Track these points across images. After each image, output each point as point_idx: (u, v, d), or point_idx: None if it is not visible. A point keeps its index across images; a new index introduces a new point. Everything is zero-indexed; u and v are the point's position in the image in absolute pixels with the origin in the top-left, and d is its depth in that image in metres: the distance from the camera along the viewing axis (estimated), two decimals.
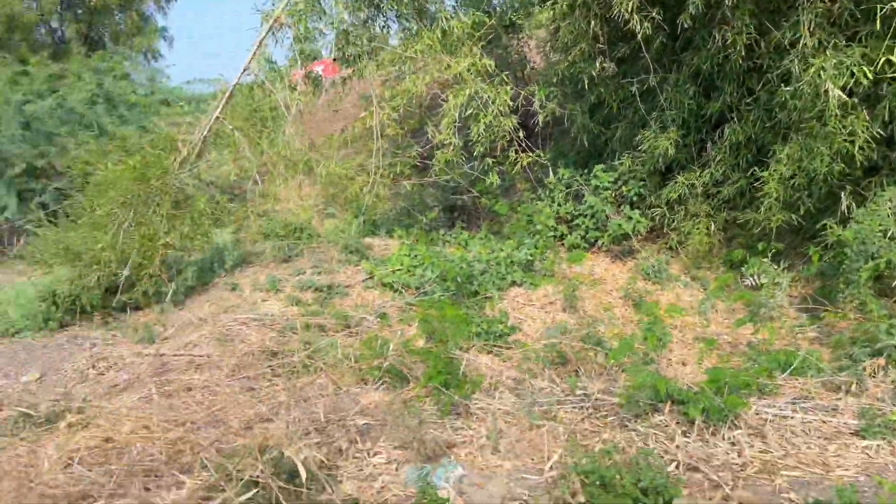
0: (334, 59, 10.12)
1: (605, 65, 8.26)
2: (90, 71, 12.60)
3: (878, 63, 5.68)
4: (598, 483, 3.28)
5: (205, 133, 7.56)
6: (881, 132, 6.14)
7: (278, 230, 10.37)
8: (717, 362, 5.60)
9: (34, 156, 11.03)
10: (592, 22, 7.87)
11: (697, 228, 7.91)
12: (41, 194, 11.01)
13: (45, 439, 4.60)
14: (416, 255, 8.07)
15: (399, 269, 7.95)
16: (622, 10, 7.07)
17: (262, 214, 9.91)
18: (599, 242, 8.58)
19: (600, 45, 8.21)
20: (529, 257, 7.99)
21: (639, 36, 7.28)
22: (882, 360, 5.05)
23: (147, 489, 3.81)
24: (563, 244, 8.76)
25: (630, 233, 8.30)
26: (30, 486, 3.49)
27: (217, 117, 7.56)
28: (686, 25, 7.18)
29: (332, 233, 9.90)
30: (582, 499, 3.25)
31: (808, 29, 6.20)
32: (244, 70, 7.63)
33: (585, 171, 9.08)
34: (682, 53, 8.06)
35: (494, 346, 6.10)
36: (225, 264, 8.52)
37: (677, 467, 3.85)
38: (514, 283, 7.79)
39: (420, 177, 9.84)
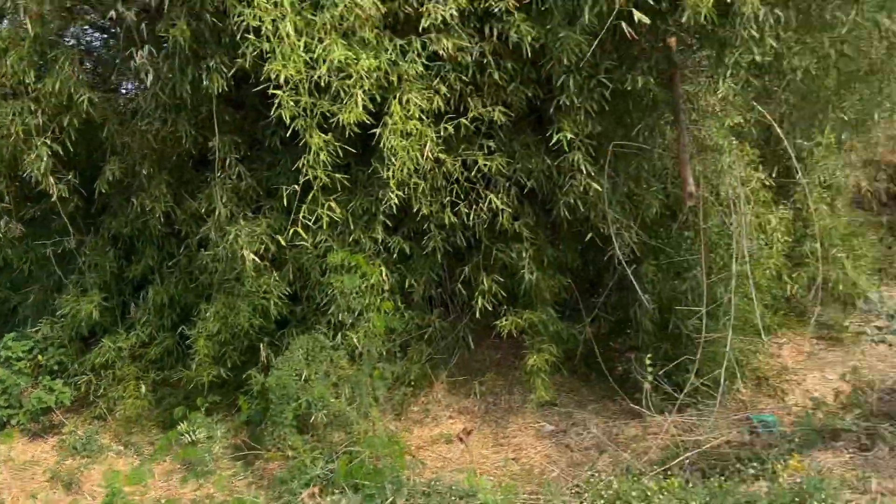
0: None
1: (11, 225, 7.67)
2: None
3: (288, 232, 6.36)
4: None
5: None
6: (288, 290, 7.14)
7: None
8: None
9: None
10: None
11: (127, 392, 7.69)
12: None
13: None
14: None
15: None
16: (34, 170, 6.71)
17: None
18: (14, 421, 7.49)
19: (5, 205, 7.60)
20: None
21: (53, 197, 7.00)
22: (315, 489, 5.71)
23: None
24: None
25: (53, 406, 7.51)
26: None
27: None
28: (103, 191, 7.27)
29: None
30: None
31: (222, 201, 6.91)
32: None
33: None
34: (99, 217, 8.05)
35: None
36: None
37: None
38: None
39: None
